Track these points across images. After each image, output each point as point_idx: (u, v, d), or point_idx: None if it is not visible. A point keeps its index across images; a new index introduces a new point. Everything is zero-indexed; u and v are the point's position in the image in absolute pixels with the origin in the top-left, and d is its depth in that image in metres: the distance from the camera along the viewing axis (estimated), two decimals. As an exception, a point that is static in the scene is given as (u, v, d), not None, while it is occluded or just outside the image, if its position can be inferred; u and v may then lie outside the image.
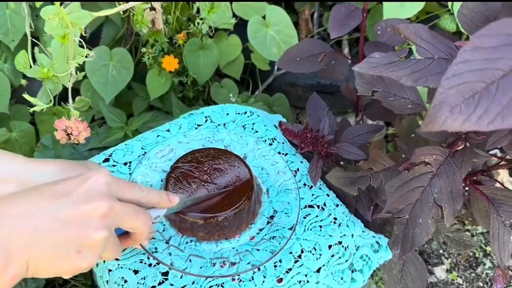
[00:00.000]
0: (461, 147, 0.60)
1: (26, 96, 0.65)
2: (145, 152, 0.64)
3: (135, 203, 0.45)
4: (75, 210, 0.40)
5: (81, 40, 0.64)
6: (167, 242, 0.55)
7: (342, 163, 0.79)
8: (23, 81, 0.84)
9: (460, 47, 0.52)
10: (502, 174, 0.95)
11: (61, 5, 0.58)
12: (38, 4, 0.58)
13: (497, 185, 0.72)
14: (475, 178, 0.76)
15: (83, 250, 0.40)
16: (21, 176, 0.47)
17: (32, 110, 0.66)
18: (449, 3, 0.98)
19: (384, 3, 0.95)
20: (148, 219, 0.46)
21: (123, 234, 0.48)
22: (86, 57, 0.65)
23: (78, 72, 0.68)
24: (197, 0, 0.84)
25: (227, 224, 0.55)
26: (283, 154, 0.67)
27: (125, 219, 0.43)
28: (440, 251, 0.95)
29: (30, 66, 0.66)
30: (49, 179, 0.47)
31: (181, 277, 0.52)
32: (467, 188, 0.72)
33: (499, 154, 1.00)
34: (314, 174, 0.63)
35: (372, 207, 0.70)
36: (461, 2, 0.62)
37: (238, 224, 0.56)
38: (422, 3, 0.96)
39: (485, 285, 0.90)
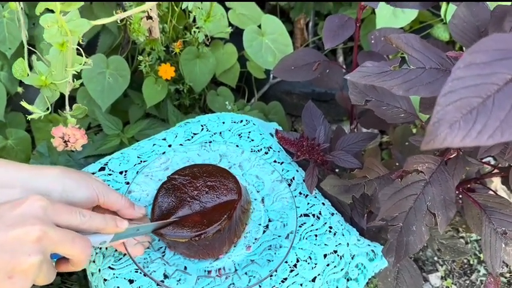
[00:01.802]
0: (453, 155, 0.61)
1: (23, 103, 0.65)
2: (141, 161, 0.64)
3: (75, 229, 0.44)
4: (7, 235, 0.39)
5: (79, 48, 0.64)
6: (163, 253, 0.55)
7: (337, 171, 0.80)
8: (19, 89, 0.85)
9: (451, 57, 0.53)
10: (495, 182, 0.96)
11: (60, 12, 0.59)
12: (38, 12, 0.59)
13: (491, 192, 0.72)
14: (468, 186, 0.77)
15: (14, 275, 0.39)
16: (25, 182, 0.47)
17: (29, 117, 0.67)
18: (442, 13, 0.99)
19: (378, 13, 0.97)
20: (86, 246, 0.44)
21: (62, 259, 0.46)
22: (84, 64, 0.65)
23: (75, 79, 0.68)
24: (194, 0, 0.84)
25: (208, 243, 0.54)
26: (278, 163, 0.67)
27: (60, 245, 0.42)
28: (435, 258, 0.95)
29: (28, 74, 0.67)
30: (50, 182, 0.48)
31: (177, 284, 0.52)
32: (460, 196, 0.73)
33: (492, 162, 1.01)
34: (310, 182, 0.63)
35: (366, 215, 0.70)
36: (453, 13, 0.63)
37: (220, 243, 0.55)
38: (416, 13, 0.98)
39: (479, 292, 0.91)
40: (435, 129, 0.35)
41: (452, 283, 0.92)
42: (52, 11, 0.58)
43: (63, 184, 0.48)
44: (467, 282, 0.92)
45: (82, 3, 0.60)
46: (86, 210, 0.46)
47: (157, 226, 0.54)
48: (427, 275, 0.93)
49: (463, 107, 0.34)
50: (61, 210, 0.44)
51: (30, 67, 0.67)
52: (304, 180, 0.64)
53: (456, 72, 0.35)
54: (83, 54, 0.65)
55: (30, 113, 0.68)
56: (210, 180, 0.59)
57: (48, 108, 0.69)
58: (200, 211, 0.56)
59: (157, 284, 0.52)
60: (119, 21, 0.76)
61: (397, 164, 0.76)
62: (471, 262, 0.95)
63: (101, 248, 0.56)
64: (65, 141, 0.67)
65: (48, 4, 0.57)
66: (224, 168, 0.61)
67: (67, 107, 0.72)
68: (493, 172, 0.71)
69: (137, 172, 0.63)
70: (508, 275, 0.94)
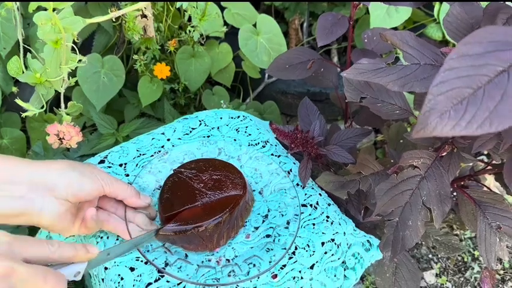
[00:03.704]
0: (448, 151, 0.61)
1: (18, 101, 0.65)
2: (140, 154, 0.65)
3: (45, 260, 0.42)
4: None
5: (74, 46, 0.64)
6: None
7: (332, 170, 0.80)
8: (14, 89, 0.84)
9: (446, 53, 0.54)
10: (489, 179, 0.97)
11: (54, 10, 0.59)
12: (31, 9, 0.59)
13: (485, 189, 0.73)
14: (462, 183, 0.78)
15: None
16: (32, 177, 0.47)
17: (24, 114, 0.67)
18: (435, 13, 1.01)
19: (371, 12, 0.98)
20: (58, 282, 0.41)
21: None
22: (78, 62, 0.65)
23: (70, 77, 0.68)
24: (190, 0, 0.84)
25: (208, 234, 0.54)
26: (276, 156, 0.68)
27: (31, 282, 0.39)
28: (430, 256, 0.96)
29: (23, 72, 0.67)
30: (57, 177, 0.48)
31: (177, 272, 0.52)
32: (455, 193, 0.73)
33: (485, 160, 1.02)
34: (304, 175, 0.64)
35: (363, 210, 0.71)
36: (447, 11, 0.64)
37: (218, 236, 0.55)
38: (409, 13, 0.99)
39: (473, 289, 0.91)
40: (426, 118, 0.35)
41: (447, 280, 0.92)
42: (46, 9, 0.58)
43: (69, 177, 0.48)
44: (462, 279, 0.93)
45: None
46: (53, 240, 0.44)
47: (130, 247, 0.52)
48: (422, 273, 0.93)
49: (454, 97, 0.35)
50: (27, 243, 0.41)
51: (26, 67, 0.67)
52: (298, 173, 0.65)
53: (449, 62, 0.36)
54: (78, 52, 0.66)
55: (25, 111, 0.67)
56: (216, 174, 0.59)
57: (43, 107, 0.69)
58: (204, 204, 0.56)
59: (159, 271, 0.52)
60: (114, 20, 0.76)
61: (391, 161, 0.76)
62: (465, 260, 0.96)
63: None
64: (59, 139, 0.67)
65: (41, 2, 0.57)
66: (230, 163, 0.61)
67: (62, 105, 0.72)
68: (487, 169, 0.72)
69: (137, 164, 0.63)
70: (502, 272, 0.94)
